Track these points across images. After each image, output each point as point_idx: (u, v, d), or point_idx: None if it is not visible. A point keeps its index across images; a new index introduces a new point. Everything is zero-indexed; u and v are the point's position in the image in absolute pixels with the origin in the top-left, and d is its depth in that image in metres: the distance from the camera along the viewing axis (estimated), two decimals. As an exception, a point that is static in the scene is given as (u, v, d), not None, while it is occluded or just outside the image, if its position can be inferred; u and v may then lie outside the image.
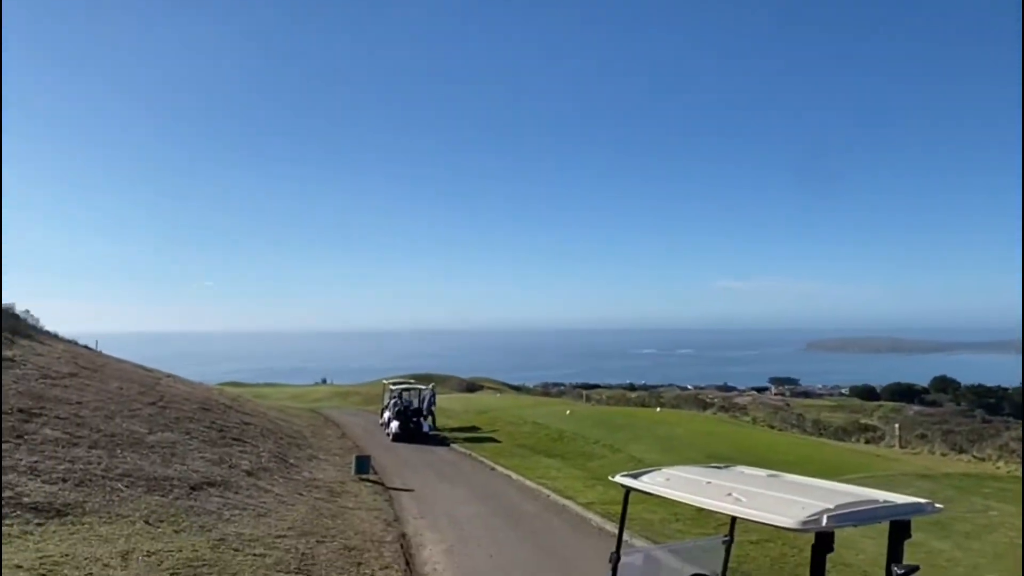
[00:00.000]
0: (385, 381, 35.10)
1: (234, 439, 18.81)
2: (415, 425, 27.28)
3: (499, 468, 20.69)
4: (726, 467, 5.97)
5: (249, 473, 15.45)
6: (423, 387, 31.67)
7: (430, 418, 29.79)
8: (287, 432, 23.98)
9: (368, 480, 18.01)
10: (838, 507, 4.19)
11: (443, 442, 26.48)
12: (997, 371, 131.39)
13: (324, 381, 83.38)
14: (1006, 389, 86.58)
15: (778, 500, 4.49)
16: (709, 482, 5.18)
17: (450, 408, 36.82)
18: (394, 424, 27.21)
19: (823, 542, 4.16)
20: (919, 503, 4.48)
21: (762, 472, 5.64)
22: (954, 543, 11.94)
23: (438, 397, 31.71)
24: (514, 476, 19.39)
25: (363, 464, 18.60)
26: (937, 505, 4.54)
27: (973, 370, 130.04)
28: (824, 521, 4.03)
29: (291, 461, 18.75)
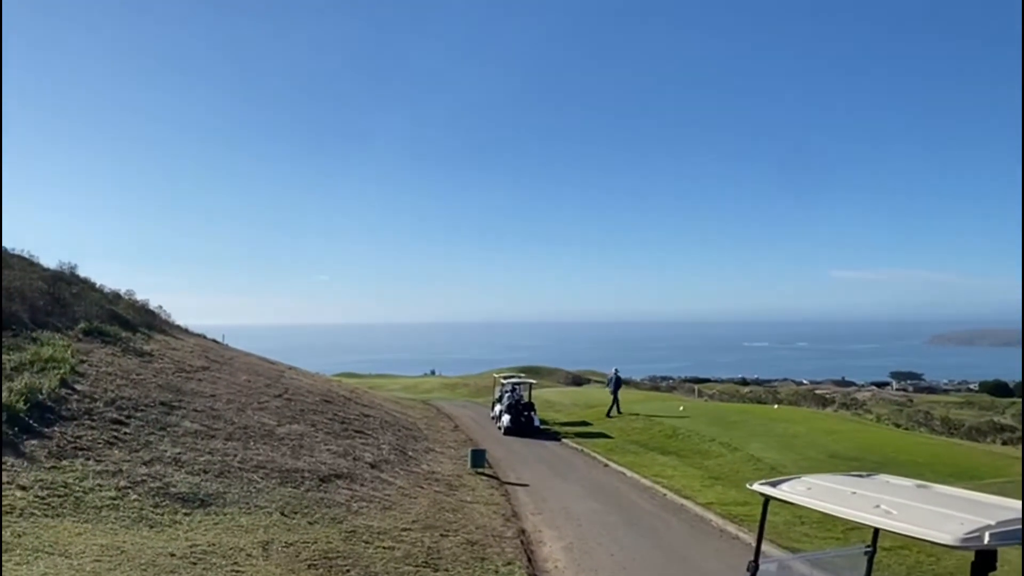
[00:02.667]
0: (496, 375, 35.46)
1: (356, 431, 19.43)
2: (526, 419, 27.44)
3: (612, 464, 20.57)
4: (869, 475, 5.71)
5: (372, 465, 15.94)
6: (532, 380, 31.86)
7: (614, 407, 30.38)
8: (404, 424, 24.60)
9: (484, 474, 18.26)
10: (1000, 523, 3.93)
11: (554, 437, 26.54)
12: None
13: (433, 372, 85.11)
14: None
15: (932, 514, 4.25)
16: (854, 492, 4.96)
17: (558, 402, 36.88)
18: (505, 418, 27.48)
19: (985, 561, 3.91)
20: None
21: (909, 482, 5.37)
22: (1114, 558, 11.07)
23: (546, 390, 31.85)
24: (628, 473, 19.23)
25: (479, 458, 18.87)
26: None
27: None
28: (986, 539, 3.79)
29: (410, 453, 19.23)
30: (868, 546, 6.25)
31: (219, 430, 14.23)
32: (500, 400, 30.08)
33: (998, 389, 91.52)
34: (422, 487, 15.38)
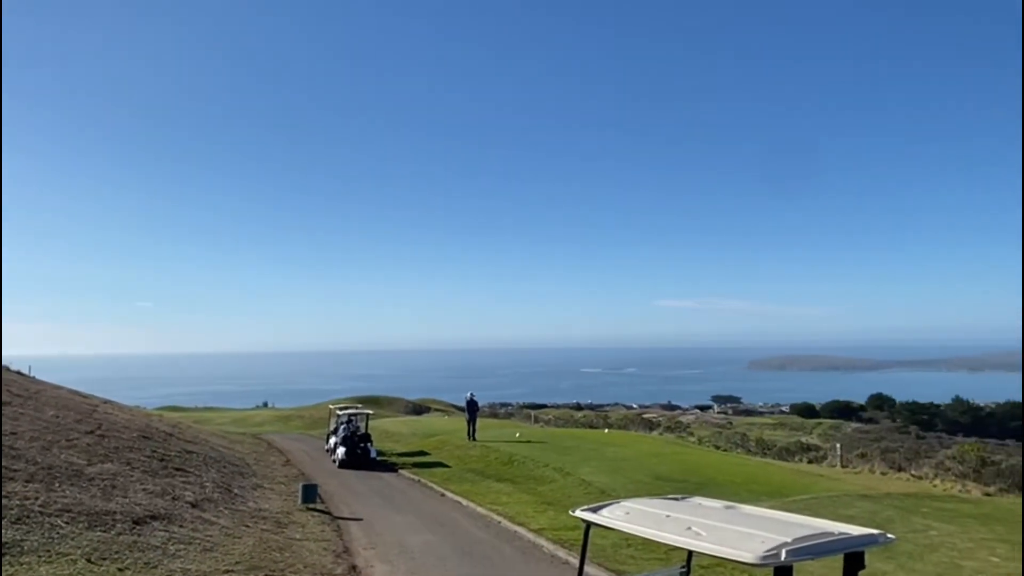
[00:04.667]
0: (331, 406, 34.60)
1: (176, 469, 18.30)
2: (362, 451, 26.87)
3: (449, 494, 20.52)
4: (683, 498, 6.02)
5: (193, 505, 15.02)
6: (370, 411, 31.37)
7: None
8: (230, 460, 23.42)
9: (315, 509, 17.67)
10: (795, 540, 4.26)
11: (391, 468, 26.16)
12: (928, 387, 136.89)
13: (265, 404, 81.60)
14: (938, 406, 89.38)
15: (736, 534, 4.54)
16: (668, 515, 5.20)
17: (397, 432, 36.43)
18: (341, 450, 26.77)
19: None
20: (872, 534, 4.59)
21: (719, 504, 5.71)
22: (898, 564, 12.25)
23: (385, 420, 31.46)
24: (464, 502, 19.26)
25: (310, 493, 18.26)
26: (890, 536, 4.65)
27: (906, 387, 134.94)
28: (783, 555, 4.10)
29: (235, 491, 18.31)
30: (683, 567, 6.58)
31: (19, 471, 12.94)
32: (335, 432, 29.30)
33: (807, 411, 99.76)
34: (248, 526, 14.66)
